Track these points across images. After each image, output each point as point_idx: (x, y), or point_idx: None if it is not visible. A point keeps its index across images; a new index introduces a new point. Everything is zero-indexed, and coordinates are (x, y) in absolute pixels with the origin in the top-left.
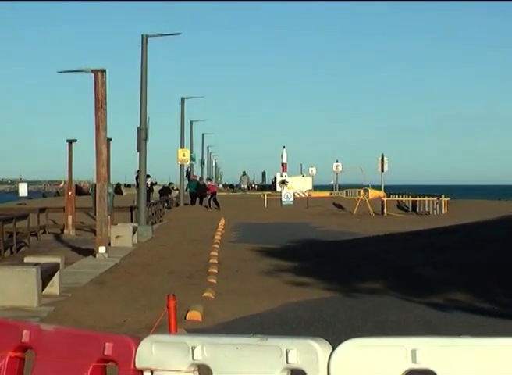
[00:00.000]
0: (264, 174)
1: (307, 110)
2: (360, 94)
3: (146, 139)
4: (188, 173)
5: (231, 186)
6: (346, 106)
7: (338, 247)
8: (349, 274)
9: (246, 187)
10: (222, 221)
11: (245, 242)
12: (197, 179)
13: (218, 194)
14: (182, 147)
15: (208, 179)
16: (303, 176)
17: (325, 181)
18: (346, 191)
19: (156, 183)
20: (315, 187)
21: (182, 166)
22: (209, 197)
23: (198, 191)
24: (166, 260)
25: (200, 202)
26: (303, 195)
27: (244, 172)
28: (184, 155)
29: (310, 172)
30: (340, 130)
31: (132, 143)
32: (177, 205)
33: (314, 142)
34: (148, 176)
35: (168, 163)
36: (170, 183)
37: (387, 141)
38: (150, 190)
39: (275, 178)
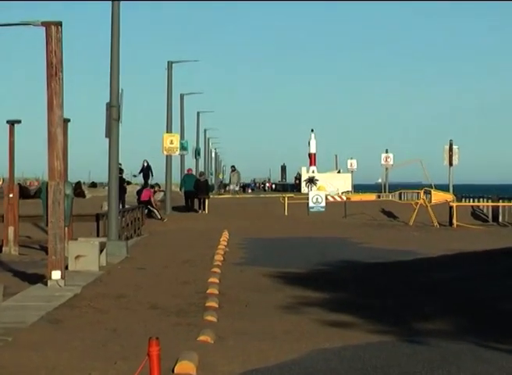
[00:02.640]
0: (283, 169)
1: (343, 85)
2: (414, 64)
3: (119, 120)
4: (145, 169)
5: (242, 186)
6: (396, 80)
7: (388, 271)
8: (404, 310)
9: (236, 188)
10: (226, 235)
11: (258, 265)
12: (193, 172)
13: (217, 196)
14: (169, 131)
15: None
16: (339, 171)
17: (370, 179)
18: (400, 193)
19: (130, 183)
20: (356, 188)
21: (169, 157)
22: (144, 207)
23: (198, 191)
24: (147, 290)
25: (200, 206)
26: (339, 199)
27: (234, 167)
28: (172, 143)
29: (349, 166)
30: (389, 111)
31: (99, 126)
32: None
33: (353, 127)
34: (121, 170)
35: (150, 155)
36: (155, 185)
37: (453, 126)
38: (122, 190)
39: (300, 175)
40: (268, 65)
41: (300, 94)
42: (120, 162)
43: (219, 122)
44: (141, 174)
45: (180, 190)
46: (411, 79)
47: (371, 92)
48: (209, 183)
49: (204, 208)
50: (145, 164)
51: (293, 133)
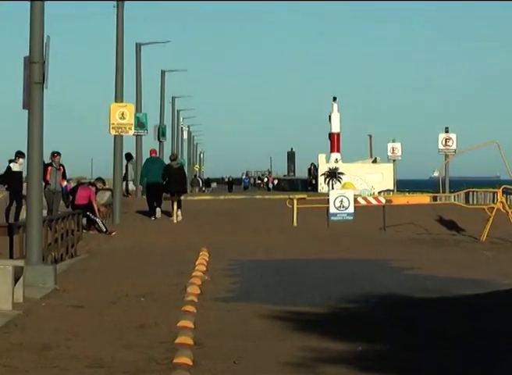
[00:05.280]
0: (291, 157)
1: (380, 36)
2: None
3: (43, 83)
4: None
5: (228, 182)
6: (454, 30)
7: (448, 311)
8: (472, 368)
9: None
10: (204, 255)
11: (252, 300)
12: (158, 156)
13: (191, 198)
14: (119, 100)
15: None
16: (374, 161)
17: (422, 172)
18: (467, 193)
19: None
20: (401, 185)
21: (118, 139)
22: (82, 213)
23: (171, 183)
24: (86, 339)
25: (174, 206)
26: (374, 202)
27: (129, 154)
28: (123, 117)
29: (389, 152)
30: (448, 76)
31: (15, 92)
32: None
33: (395, 95)
34: (57, 154)
35: (92, 138)
36: (98, 180)
37: None
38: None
39: (315, 166)
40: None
41: (318, 48)
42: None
43: (195, 87)
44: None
45: (141, 183)
46: (476, 31)
47: (422, 47)
48: (184, 170)
49: (179, 209)
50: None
51: (307, 103)
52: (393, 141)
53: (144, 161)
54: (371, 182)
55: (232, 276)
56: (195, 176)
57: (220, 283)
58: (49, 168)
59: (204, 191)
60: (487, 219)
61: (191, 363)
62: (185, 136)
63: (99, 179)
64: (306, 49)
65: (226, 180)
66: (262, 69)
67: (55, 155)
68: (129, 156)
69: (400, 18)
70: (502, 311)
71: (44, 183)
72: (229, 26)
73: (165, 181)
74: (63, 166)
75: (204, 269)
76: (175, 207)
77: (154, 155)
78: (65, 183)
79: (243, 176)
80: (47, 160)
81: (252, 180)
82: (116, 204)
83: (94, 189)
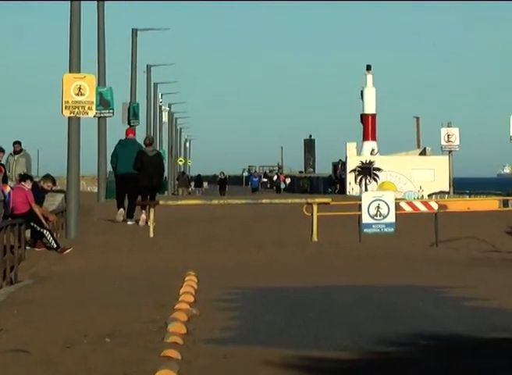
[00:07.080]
0: (309, 147)
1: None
2: None
3: None
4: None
5: (220, 181)
6: None
7: None
8: None
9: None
10: (192, 281)
11: (256, 343)
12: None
13: (174, 203)
14: (75, 69)
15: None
16: (423, 152)
17: (487, 169)
18: None
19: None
20: (460, 184)
21: (74, 122)
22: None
23: (143, 175)
24: None
25: (151, 213)
26: (423, 208)
27: (19, 143)
28: (81, 92)
29: (443, 141)
30: None
31: None
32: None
33: (448, 67)
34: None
35: (39, 122)
36: (45, 178)
37: None
38: None
39: (341, 163)
40: None
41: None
42: None
43: (178, 52)
44: None
45: (115, 170)
46: None
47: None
48: (163, 161)
49: (145, 211)
50: None
51: (331, 75)
52: (449, 126)
53: (110, 151)
54: (418, 181)
55: (229, 310)
56: (183, 173)
57: (213, 318)
58: None
59: (189, 193)
60: None
61: None
62: (165, 118)
63: (47, 177)
64: (331, 2)
65: (219, 178)
66: (269, 29)
67: None
68: (19, 145)
69: None
70: None
71: None
72: None
73: (140, 172)
74: (4, 167)
75: (192, 299)
76: (151, 215)
77: (131, 136)
78: (8, 188)
79: (246, 173)
80: None
81: (258, 177)
82: (71, 211)
83: (28, 186)
